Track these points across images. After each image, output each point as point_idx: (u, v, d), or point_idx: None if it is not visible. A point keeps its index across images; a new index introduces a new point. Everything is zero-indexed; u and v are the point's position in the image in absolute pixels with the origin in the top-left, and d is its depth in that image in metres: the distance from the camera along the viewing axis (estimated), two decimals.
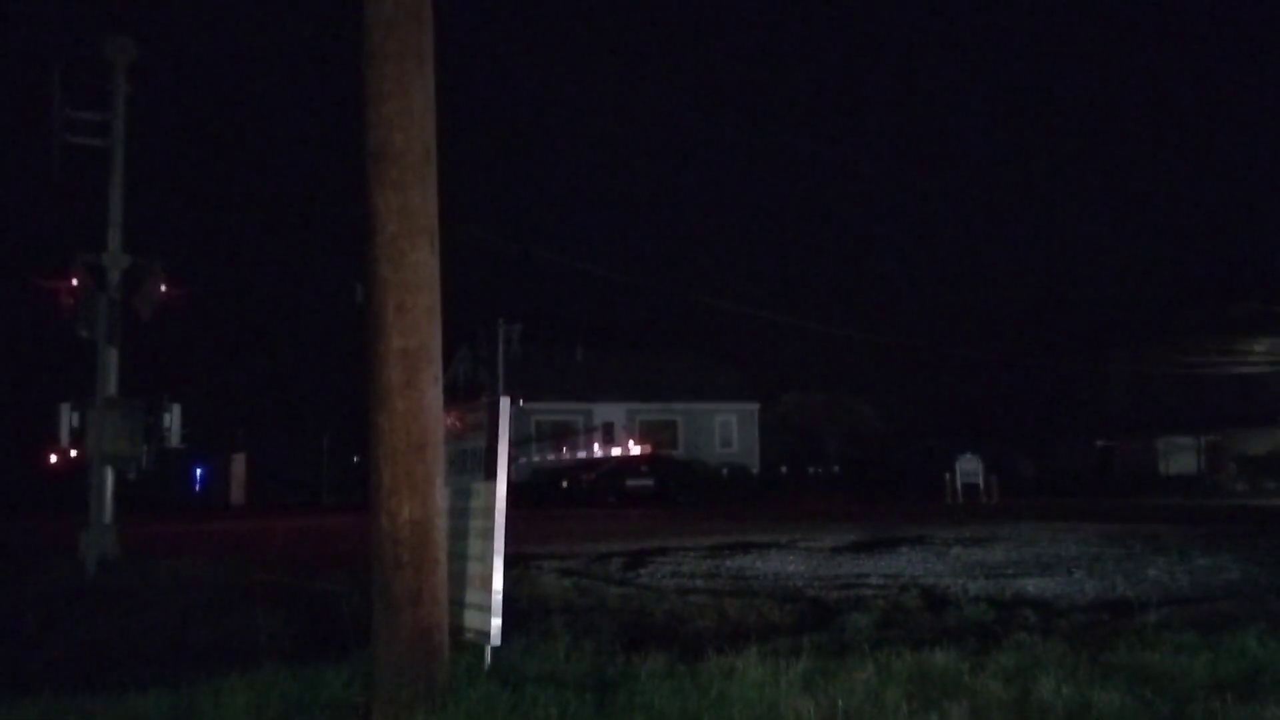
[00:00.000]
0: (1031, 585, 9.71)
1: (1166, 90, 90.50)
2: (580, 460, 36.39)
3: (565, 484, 32.64)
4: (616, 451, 36.86)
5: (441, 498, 5.88)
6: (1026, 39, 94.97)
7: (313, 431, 36.91)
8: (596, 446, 39.22)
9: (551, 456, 38.75)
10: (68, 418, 10.70)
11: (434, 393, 5.78)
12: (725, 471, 38.27)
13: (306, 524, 20.75)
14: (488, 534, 6.70)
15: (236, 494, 30.99)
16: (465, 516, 6.83)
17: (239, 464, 31.48)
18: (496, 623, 6.39)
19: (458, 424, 7.05)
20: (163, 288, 11.04)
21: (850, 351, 47.67)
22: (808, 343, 47.20)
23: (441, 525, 5.84)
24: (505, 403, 6.77)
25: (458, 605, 6.53)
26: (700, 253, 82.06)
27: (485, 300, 38.01)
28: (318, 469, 36.30)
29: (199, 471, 33.52)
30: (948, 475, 35.08)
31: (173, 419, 11.04)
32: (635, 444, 37.88)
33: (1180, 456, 49.12)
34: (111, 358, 10.98)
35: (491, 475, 6.67)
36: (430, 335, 5.77)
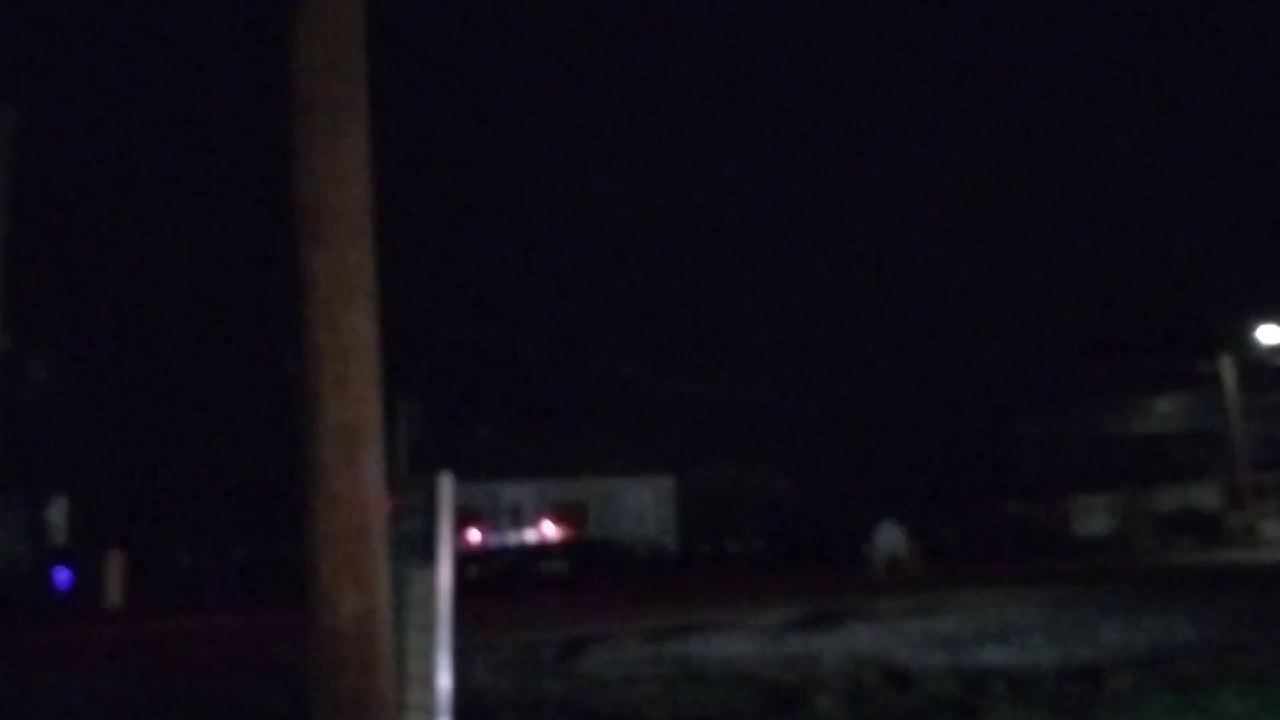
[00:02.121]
0: (991, 655, 9.65)
1: (1074, 146, 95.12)
2: (489, 546, 35.57)
3: (475, 570, 31.74)
4: (530, 533, 36.18)
5: (386, 589, 5.51)
6: (935, 92, 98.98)
7: (198, 525, 35.33)
8: (507, 531, 38.45)
9: (458, 542, 37.80)
10: None
11: (376, 472, 5.44)
12: (642, 551, 37.86)
13: (199, 625, 19.64)
14: (429, 626, 6.31)
15: (114, 595, 29.29)
16: (403, 608, 6.42)
17: (115, 561, 29.80)
18: None
19: (391, 506, 6.69)
20: (46, 370, 10.36)
21: (765, 421, 48.02)
22: (721, 413, 47.40)
23: (387, 619, 5.46)
24: (447, 481, 6.43)
25: (396, 707, 6.11)
26: (608, 323, 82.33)
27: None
28: (203, 565, 34.66)
29: (63, 571, 31.44)
30: (867, 545, 35.22)
31: (58, 513, 10.27)
32: (550, 525, 37.25)
33: (1093, 517, 50.56)
34: None
35: (432, 561, 6.31)
36: (371, 408, 5.44)
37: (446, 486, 6.44)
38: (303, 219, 5.45)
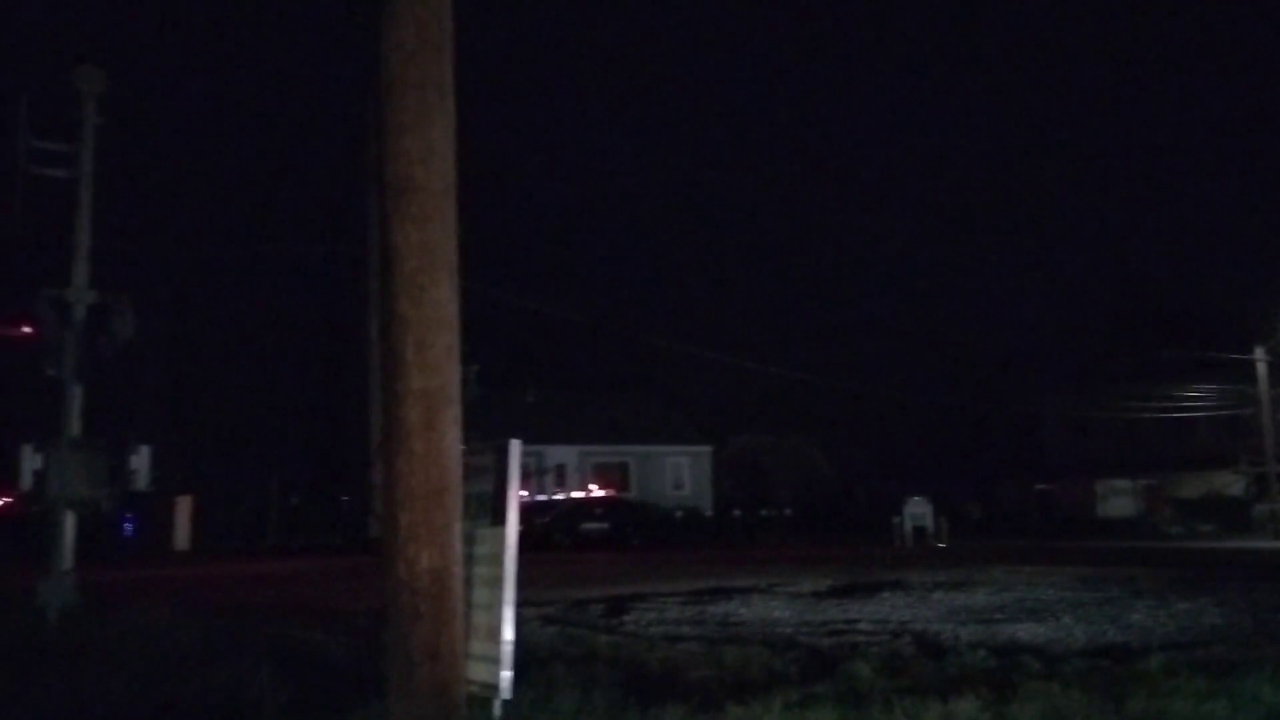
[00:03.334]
0: (1022, 631, 9.63)
1: (1101, 139, 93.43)
2: (534, 503, 35.84)
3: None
4: (576, 494, 36.44)
5: (460, 545, 5.61)
6: (961, 87, 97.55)
7: (261, 473, 35.95)
8: (557, 490, 38.76)
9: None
10: (30, 459, 10.14)
11: (454, 435, 5.54)
12: (679, 514, 38.01)
13: (262, 570, 20.05)
14: (495, 582, 6.43)
15: (181, 538, 29.98)
16: (471, 563, 6.54)
17: (184, 506, 30.48)
18: (507, 675, 6.11)
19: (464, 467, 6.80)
20: (132, 324, 10.62)
21: (799, 394, 47.87)
22: (758, 385, 47.31)
23: (460, 574, 5.57)
24: (516, 445, 6.52)
25: (462, 657, 6.24)
26: (652, 293, 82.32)
27: None
28: (265, 512, 35.31)
29: (128, 515, 32.19)
30: (896, 518, 35.09)
31: (141, 461, 10.58)
32: (596, 487, 37.51)
33: (1117, 499, 49.94)
34: (77, 396, 10.51)
35: (501, 520, 6.41)
36: (450, 375, 5.53)
37: (516, 451, 6.53)
38: (391, 194, 5.51)
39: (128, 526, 31.49)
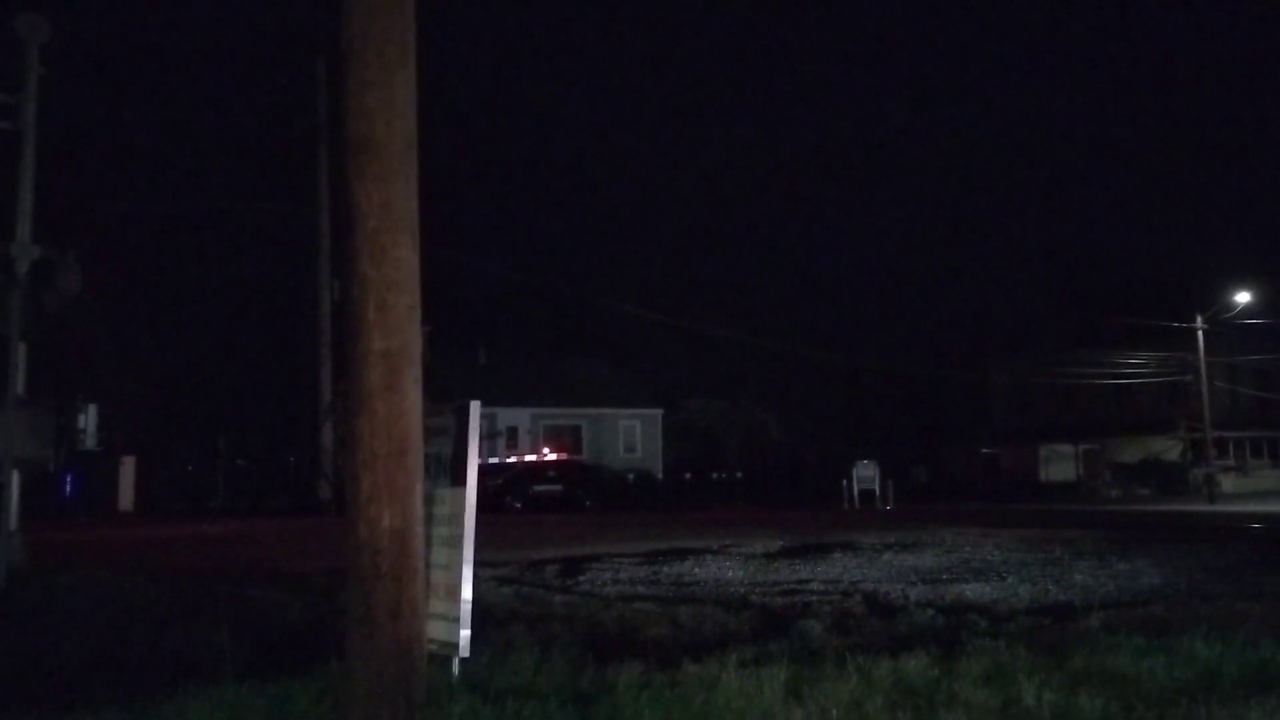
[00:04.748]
0: (969, 590, 9.89)
1: (1048, 107, 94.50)
2: (486, 465, 35.76)
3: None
4: (529, 457, 36.46)
5: (420, 505, 5.63)
6: (925, 45, 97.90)
7: (207, 433, 35.49)
8: (509, 452, 38.74)
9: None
10: None
11: (415, 395, 5.53)
12: (631, 477, 38.19)
13: (210, 531, 19.86)
14: (454, 541, 6.48)
15: (125, 499, 29.59)
16: (430, 523, 6.57)
17: (128, 467, 30.03)
18: (465, 634, 6.18)
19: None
20: (77, 280, 10.40)
21: (750, 358, 48.23)
22: (709, 349, 47.58)
23: (420, 534, 5.60)
24: (475, 407, 6.55)
25: (423, 616, 6.28)
26: (604, 256, 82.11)
27: None
28: (212, 473, 34.90)
29: (69, 475, 31.59)
30: (845, 481, 35.66)
31: (88, 420, 10.40)
32: (549, 450, 37.55)
33: (1059, 463, 51.13)
34: (21, 353, 10.30)
35: (460, 481, 6.45)
36: (412, 335, 5.52)
37: (476, 413, 6.56)
38: (352, 154, 5.45)
39: (69, 486, 30.97)
